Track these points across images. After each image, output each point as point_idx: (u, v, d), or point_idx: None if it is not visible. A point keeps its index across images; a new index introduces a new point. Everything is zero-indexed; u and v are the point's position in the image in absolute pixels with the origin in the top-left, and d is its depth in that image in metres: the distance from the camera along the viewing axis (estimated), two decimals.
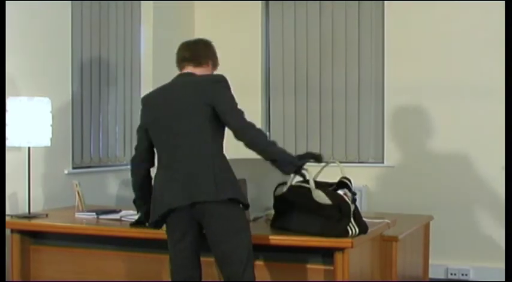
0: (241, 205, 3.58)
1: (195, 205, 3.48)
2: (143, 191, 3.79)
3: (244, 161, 5.34)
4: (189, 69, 3.84)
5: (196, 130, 3.58)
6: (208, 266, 3.86)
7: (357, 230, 3.56)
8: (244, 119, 3.62)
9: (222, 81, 3.79)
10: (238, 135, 3.59)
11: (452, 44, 6.07)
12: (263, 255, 3.78)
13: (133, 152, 3.91)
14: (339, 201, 3.65)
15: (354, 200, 3.71)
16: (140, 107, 3.93)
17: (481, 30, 5.97)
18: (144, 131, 3.84)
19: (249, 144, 3.59)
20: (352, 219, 3.58)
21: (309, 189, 3.73)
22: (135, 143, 3.97)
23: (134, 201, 3.89)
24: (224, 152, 3.74)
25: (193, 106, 3.62)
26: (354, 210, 3.63)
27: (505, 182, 4.34)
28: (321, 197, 3.68)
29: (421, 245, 4.92)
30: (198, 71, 3.84)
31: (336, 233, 3.55)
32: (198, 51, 3.92)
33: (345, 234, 3.54)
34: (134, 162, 3.86)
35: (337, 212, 3.58)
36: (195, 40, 4.06)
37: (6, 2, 4.64)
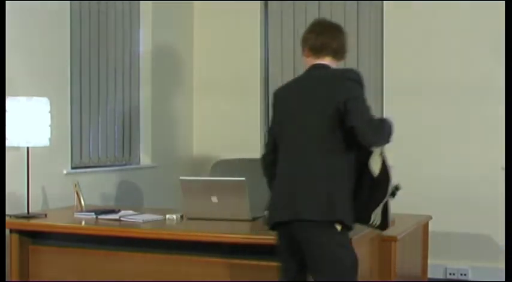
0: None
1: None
2: None
3: (244, 161, 5.36)
4: (326, 60, 3.46)
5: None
6: (209, 265, 3.87)
7: (378, 222, 3.26)
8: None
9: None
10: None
11: (452, 43, 6.07)
12: (262, 255, 3.77)
13: (264, 150, 3.62)
14: (380, 180, 3.33)
15: (392, 193, 3.40)
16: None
17: (481, 30, 5.97)
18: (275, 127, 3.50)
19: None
20: (379, 209, 3.27)
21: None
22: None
23: None
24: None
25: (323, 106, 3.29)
26: (385, 202, 3.31)
27: (505, 182, 4.34)
28: (375, 161, 3.33)
29: (420, 244, 4.92)
30: (332, 63, 3.47)
31: (358, 216, 3.25)
32: (343, 43, 3.49)
33: (366, 220, 3.26)
34: (266, 160, 3.59)
35: (371, 192, 3.27)
36: (337, 25, 3.53)
37: (6, 2, 4.64)
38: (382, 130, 3.33)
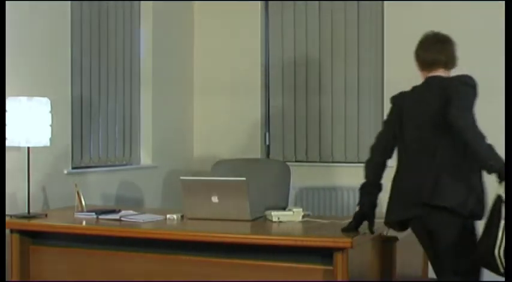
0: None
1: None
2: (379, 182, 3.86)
3: (244, 161, 5.36)
4: (439, 72, 3.80)
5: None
6: (209, 265, 3.87)
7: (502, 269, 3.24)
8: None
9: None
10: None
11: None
12: (262, 255, 3.77)
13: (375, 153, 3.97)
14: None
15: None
16: None
17: (481, 30, 5.96)
18: (391, 129, 3.91)
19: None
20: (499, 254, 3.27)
21: None
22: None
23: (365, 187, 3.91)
24: None
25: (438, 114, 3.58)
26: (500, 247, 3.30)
27: (505, 182, 4.33)
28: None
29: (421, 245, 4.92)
30: (445, 73, 3.81)
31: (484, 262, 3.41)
32: (452, 53, 3.91)
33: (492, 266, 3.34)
34: (379, 162, 3.92)
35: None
36: (443, 38, 4.01)
37: (6, 2, 4.64)
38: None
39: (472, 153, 3.50)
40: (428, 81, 3.79)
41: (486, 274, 5.46)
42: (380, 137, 4.01)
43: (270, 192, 4.91)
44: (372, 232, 3.71)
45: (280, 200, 4.88)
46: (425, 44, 3.90)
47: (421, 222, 3.63)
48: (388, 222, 3.78)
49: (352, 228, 3.72)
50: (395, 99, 4.00)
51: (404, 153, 3.77)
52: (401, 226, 3.78)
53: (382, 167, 3.88)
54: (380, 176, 3.87)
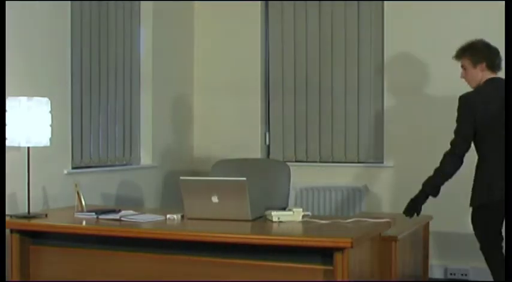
0: None
1: None
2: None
3: (244, 161, 5.35)
4: (493, 74, 4.50)
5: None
6: (209, 265, 3.87)
7: None
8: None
9: None
10: None
11: (452, 43, 6.06)
12: (262, 255, 3.77)
13: (459, 144, 4.53)
14: None
15: None
16: None
17: (481, 30, 5.95)
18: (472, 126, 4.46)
19: None
20: None
21: None
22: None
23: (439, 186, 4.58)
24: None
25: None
26: None
27: (505, 182, 4.34)
28: None
29: (421, 244, 4.93)
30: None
31: None
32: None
33: None
34: (461, 158, 4.52)
35: None
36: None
37: (6, 1, 4.64)
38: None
39: None
40: (494, 82, 4.45)
41: (485, 274, 5.47)
42: (460, 133, 4.57)
43: (270, 192, 4.91)
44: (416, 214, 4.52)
45: (280, 200, 4.89)
46: (494, 48, 4.60)
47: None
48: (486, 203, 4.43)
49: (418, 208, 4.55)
50: (466, 99, 4.52)
51: (484, 144, 4.49)
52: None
53: (462, 160, 4.53)
54: (457, 169, 4.53)
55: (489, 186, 4.39)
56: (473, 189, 4.52)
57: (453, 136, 4.62)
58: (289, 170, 5.00)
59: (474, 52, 4.59)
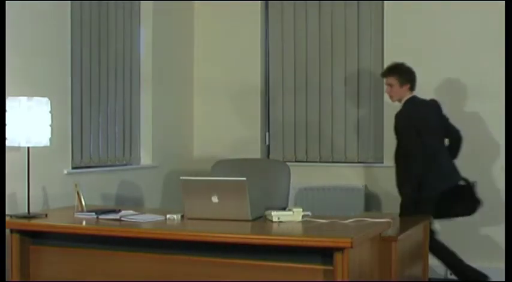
0: None
1: None
2: None
3: (244, 161, 5.35)
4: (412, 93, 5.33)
5: None
6: (209, 265, 3.87)
7: None
8: None
9: None
10: None
11: (452, 44, 6.08)
12: (262, 255, 3.77)
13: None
14: None
15: None
16: None
17: (481, 30, 5.97)
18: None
19: None
20: None
21: None
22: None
23: None
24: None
25: None
26: None
27: (505, 182, 4.34)
28: None
29: (421, 245, 4.92)
30: None
31: None
32: None
33: None
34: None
35: None
36: None
37: (6, 1, 4.64)
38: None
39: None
40: (425, 99, 5.33)
41: (486, 273, 5.48)
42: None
43: (270, 192, 4.92)
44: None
45: (280, 200, 4.89)
46: (414, 72, 5.35)
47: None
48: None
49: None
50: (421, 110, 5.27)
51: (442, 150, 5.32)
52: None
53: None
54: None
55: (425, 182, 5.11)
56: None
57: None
58: (289, 170, 5.00)
59: (401, 73, 5.26)
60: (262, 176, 4.97)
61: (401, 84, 5.24)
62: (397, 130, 5.19)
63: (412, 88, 5.27)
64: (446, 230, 5.90)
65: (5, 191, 4.35)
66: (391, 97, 5.31)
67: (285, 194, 4.93)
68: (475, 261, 5.53)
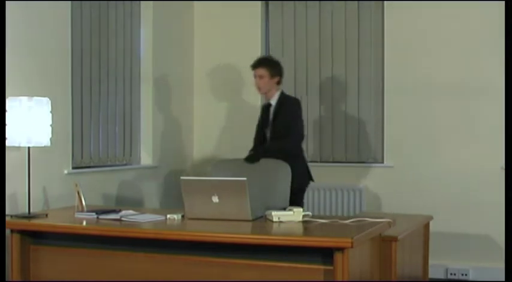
0: None
1: None
2: None
3: (243, 160, 5.34)
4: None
5: None
6: (210, 266, 3.87)
7: None
8: None
9: None
10: None
11: (452, 43, 6.08)
12: (262, 255, 3.78)
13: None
14: None
15: None
16: None
17: (481, 30, 5.97)
18: None
19: None
20: None
21: None
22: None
23: None
24: None
25: None
26: None
27: (505, 182, 4.34)
28: None
29: (421, 245, 4.93)
30: None
31: None
32: None
33: None
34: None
35: None
36: None
37: (6, 1, 4.65)
38: None
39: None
40: (285, 94, 5.41)
41: (486, 273, 5.48)
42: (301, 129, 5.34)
43: (270, 192, 4.91)
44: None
45: (280, 200, 4.88)
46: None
47: None
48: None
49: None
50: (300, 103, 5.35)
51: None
52: None
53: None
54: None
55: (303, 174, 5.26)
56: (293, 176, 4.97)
57: (287, 125, 5.19)
58: (289, 169, 5.00)
59: (272, 65, 5.27)
60: (262, 176, 4.97)
61: (272, 76, 5.24)
62: (292, 114, 5.20)
63: (280, 81, 5.30)
64: (447, 230, 5.90)
65: (5, 191, 4.35)
66: (259, 89, 5.29)
67: (285, 194, 4.93)
68: (475, 261, 5.54)
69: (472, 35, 5.99)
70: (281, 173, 5.02)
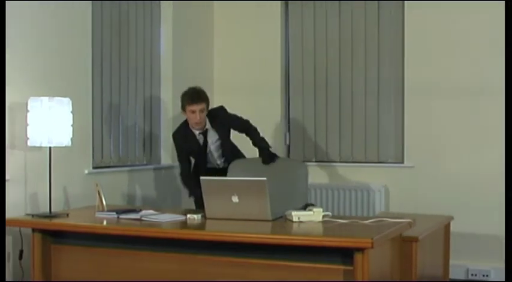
0: None
1: None
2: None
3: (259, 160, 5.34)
4: None
5: None
6: (229, 265, 3.87)
7: None
8: None
9: None
10: None
11: (473, 43, 6.04)
12: (282, 255, 3.77)
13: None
14: None
15: None
16: None
17: (501, 30, 5.92)
18: None
19: None
20: None
21: None
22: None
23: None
24: None
25: None
26: None
27: (505, 182, 4.29)
28: None
29: (442, 245, 4.90)
30: None
31: None
32: None
33: None
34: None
35: None
36: None
37: (27, 2, 4.68)
38: None
39: None
40: None
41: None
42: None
43: (289, 192, 4.91)
44: None
45: (300, 199, 4.88)
46: None
47: None
48: None
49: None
50: None
51: None
52: None
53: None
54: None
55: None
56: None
57: (242, 122, 5.43)
58: (307, 169, 5.00)
59: (207, 97, 5.18)
60: (281, 176, 4.97)
61: (208, 108, 5.20)
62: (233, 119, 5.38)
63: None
64: (468, 230, 5.87)
65: (5, 191, 4.34)
66: (198, 123, 5.12)
67: (303, 194, 4.93)
68: (496, 261, 5.50)
69: (493, 35, 5.94)
70: (299, 172, 5.02)
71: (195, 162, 5.35)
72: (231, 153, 5.38)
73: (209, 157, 5.29)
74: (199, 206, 4.68)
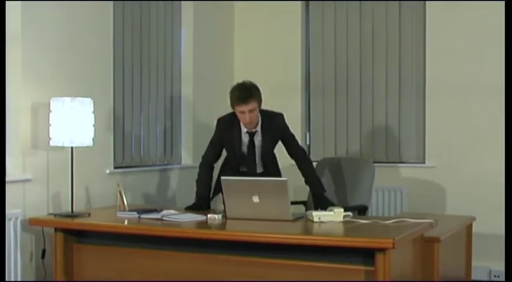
0: None
1: None
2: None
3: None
4: None
5: None
6: (250, 265, 3.87)
7: None
8: None
9: None
10: None
11: (494, 43, 5.99)
12: (303, 255, 3.77)
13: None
14: None
15: None
16: None
17: None
18: None
19: None
20: None
21: None
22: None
23: None
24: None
25: None
26: None
27: (505, 182, 4.24)
28: None
29: (464, 246, 4.87)
30: None
31: None
32: None
33: None
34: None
35: None
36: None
37: (48, 2, 4.70)
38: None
39: None
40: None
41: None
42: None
43: (351, 191, 5.05)
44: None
45: (362, 198, 5.14)
46: None
47: None
48: None
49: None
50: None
51: None
52: None
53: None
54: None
55: None
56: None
57: (296, 143, 4.89)
58: (374, 169, 5.22)
59: (259, 93, 4.63)
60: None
61: (260, 104, 4.69)
62: (288, 133, 4.85)
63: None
64: (491, 231, 5.83)
65: (5, 191, 4.35)
66: (249, 123, 4.65)
67: (367, 193, 5.17)
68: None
69: None
70: (365, 172, 5.29)
71: (226, 161, 5.00)
72: (273, 162, 4.87)
73: (245, 160, 4.80)
74: (199, 206, 4.60)
